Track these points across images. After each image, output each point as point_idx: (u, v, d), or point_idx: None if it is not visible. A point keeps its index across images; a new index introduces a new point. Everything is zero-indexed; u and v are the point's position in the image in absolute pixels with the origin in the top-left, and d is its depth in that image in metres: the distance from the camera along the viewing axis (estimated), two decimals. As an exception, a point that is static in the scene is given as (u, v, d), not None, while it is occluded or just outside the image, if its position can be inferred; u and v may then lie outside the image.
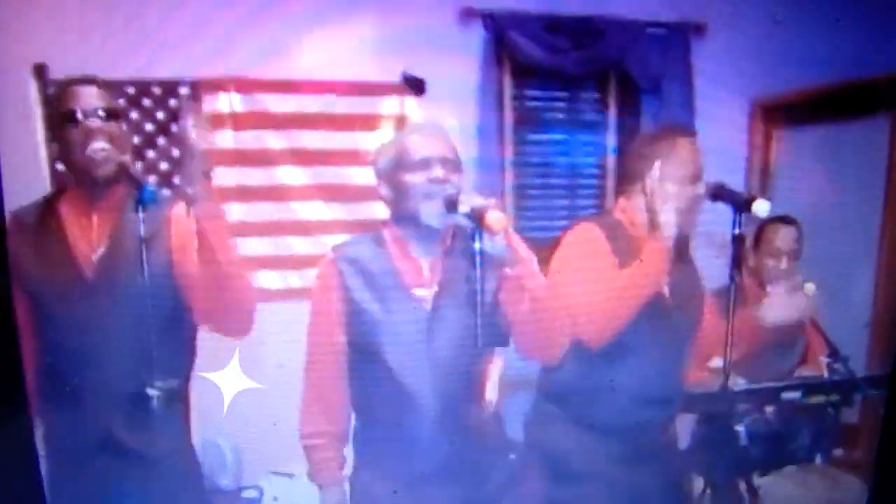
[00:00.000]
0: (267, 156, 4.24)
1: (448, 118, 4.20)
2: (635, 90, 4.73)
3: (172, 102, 4.12)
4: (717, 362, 3.05)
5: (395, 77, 4.35)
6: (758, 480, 3.35)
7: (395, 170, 2.61)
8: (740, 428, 3.20)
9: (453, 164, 2.60)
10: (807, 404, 3.27)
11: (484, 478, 2.74)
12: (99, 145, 2.52)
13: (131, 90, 4.04)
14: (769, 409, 3.26)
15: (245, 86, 4.19)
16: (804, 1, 4.25)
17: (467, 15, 4.39)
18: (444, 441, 2.63)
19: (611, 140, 4.85)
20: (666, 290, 2.89)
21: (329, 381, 2.70)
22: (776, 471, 3.36)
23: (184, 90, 4.12)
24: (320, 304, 2.70)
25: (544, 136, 4.84)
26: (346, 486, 2.76)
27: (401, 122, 4.28)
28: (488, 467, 2.76)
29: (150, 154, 4.11)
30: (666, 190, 2.80)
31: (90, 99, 2.55)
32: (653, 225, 2.81)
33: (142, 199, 2.47)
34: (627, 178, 2.98)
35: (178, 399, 2.71)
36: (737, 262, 2.81)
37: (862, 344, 3.78)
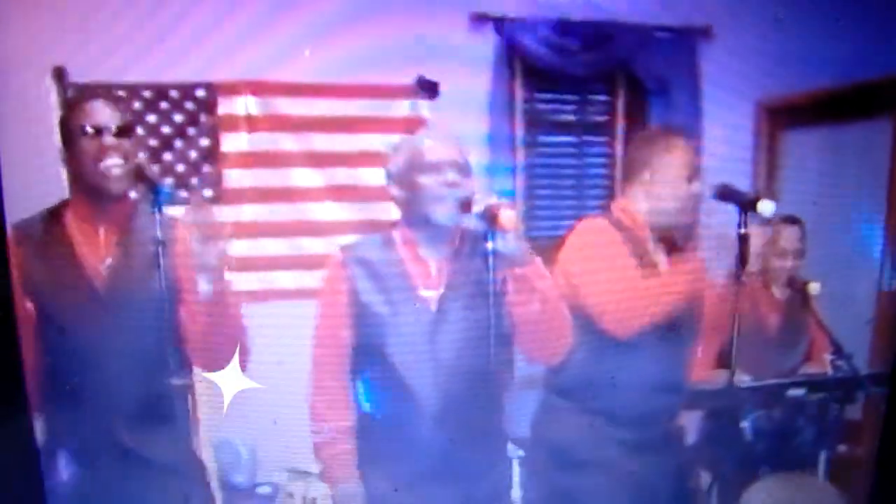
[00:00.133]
0: (281, 158, 4.25)
1: (460, 120, 4.22)
2: (643, 93, 4.72)
3: (189, 105, 4.13)
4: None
5: (408, 80, 4.35)
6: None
7: (408, 173, 2.63)
8: (746, 424, 3.21)
9: (465, 169, 2.62)
10: (811, 401, 3.28)
11: (484, 477, 2.74)
12: (113, 162, 2.53)
13: (148, 94, 4.05)
14: (774, 405, 3.27)
15: (260, 89, 4.19)
16: (808, 3, 4.24)
17: (479, 20, 4.40)
18: (446, 440, 2.64)
19: (619, 142, 4.84)
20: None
21: (334, 379, 2.70)
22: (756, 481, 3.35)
23: (200, 93, 4.13)
24: (328, 303, 2.72)
25: (554, 138, 4.84)
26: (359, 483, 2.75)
27: (414, 124, 4.27)
28: (488, 466, 2.76)
29: (167, 156, 4.12)
30: (658, 188, 2.84)
31: (103, 114, 2.55)
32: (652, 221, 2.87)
33: (158, 200, 2.48)
34: (626, 178, 3.01)
35: (189, 397, 2.73)
36: (742, 260, 2.82)
37: (865, 342, 3.77)
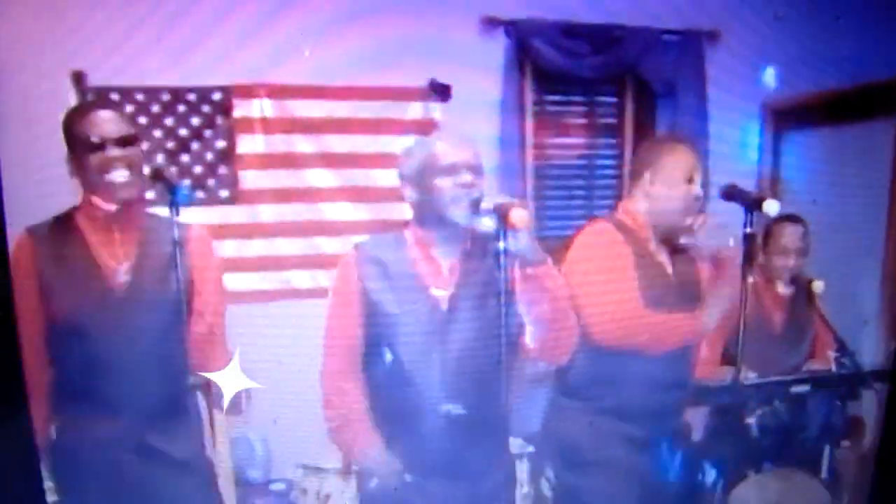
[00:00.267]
0: (296, 159, 4.26)
1: (471, 122, 4.22)
2: (651, 95, 4.73)
3: (205, 108, 4.15)
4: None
5: (421, 83, 4.37)
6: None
7: (422, 175, 2.63)
8: (751, 420, 3.21)
9: (478, 170, 2.62)
10: (815, 397, 3.28)
11: (490, 473, 2.75)
12: (118, 173, 2.52)
13: (166, 97, 4.07)
14: (779, 402, 3.27)
15: (275, 91, 4.21)
16: (812, 5, 4.25)
17: (490, 23, 4.41)
18: (453, 437, 2.64)
19: (627, 143, 4.85)
20: (672, 280, 2.92)
21: (345, 377, 2.70)
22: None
23: (216, 96, 4.15)
24: (339, 302, 2.71)
25: (564, 140, 4.85)
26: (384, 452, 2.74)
27: (427, 126, 4.28)
28: (495, 463, 2.76)
29: (184, 158, 4.14)
30: (658, 189, 2.87)
31: (106, 125, 2.54)
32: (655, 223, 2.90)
33: (175, 200, 2.49)
34: (631, 179, 3.04)
35: (204, 395, 2.74)
36: (748, 259, 2.83)
37: (868, 339, 3.77)
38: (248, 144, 4.20)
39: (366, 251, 2.69)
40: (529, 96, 4.65)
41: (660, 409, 2.97)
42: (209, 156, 4.17)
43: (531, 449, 3.47)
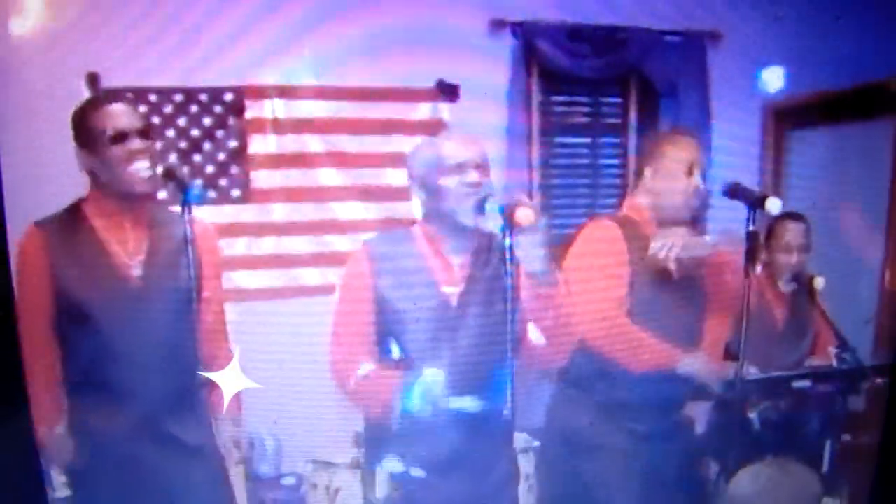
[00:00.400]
0: (307, 159, 4.27)
1: (478, 122, 4.23)
2: (654, 94, 4.74)
3: (218, 109, 4.16)
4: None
5: (430, 84, 4.37)
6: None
7: (430, 173, 2.63)
8: (753, 415, 3.21)
9: (485, 168, 2.62)
10: (816, 392, 3.28)
11: (493, 469, 2.74)
12: (141, 165, 2.51)
13: (179, 97, 4.08)
14: (780, 397, 3.27)
15: (286, 92, 4.22)
16: (812, 6, 4.25)
17: (497, 25, 4.42)
18: (458, 434, 2.64)
19: (631, 141, 4.85)
20: (674, 275, 2.92)
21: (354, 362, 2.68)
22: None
23: (228, 97, 4.16)
24: (349, 296, 2.70)
25: (569, 139, 4.86)
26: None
27: (435, 126, 4.28)
28: (500, 458, 2.76)
29: (197, 158, 4.15)
30: (659, 182, 2.87)
31: (125, 118, 2.53)
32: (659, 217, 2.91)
33: (187, 200, 2.49)
34: (635, 176, 3.05)
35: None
36: (751, 256, 2.83)
37: (868, 335, 3.77)
38: (259, 144, 4.21)
39: (375, 248, 2.69)
40: (536, 96, 4.66)
41: (660, 404, 2.97)
42: (221, 155, 4.18)
43: (536, 444, 3.47)
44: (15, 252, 2.49)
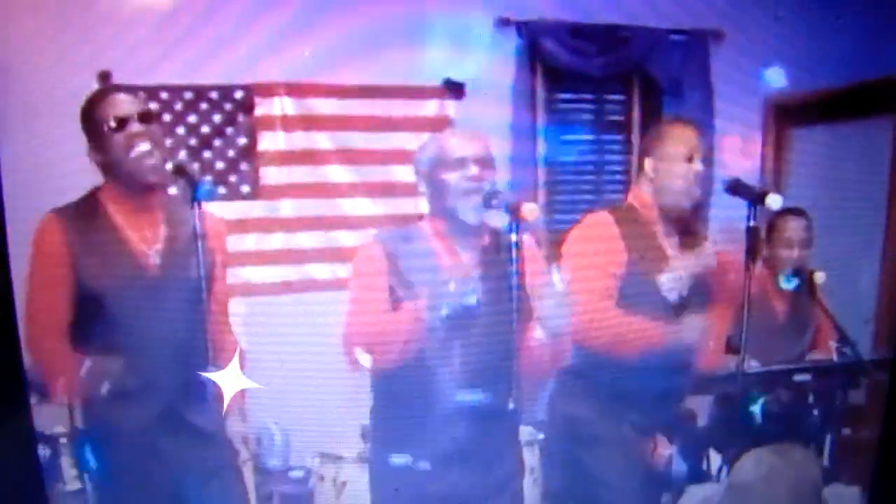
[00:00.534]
0: (315, 155, 4.28)
1: (484, 119, 4.23)
2: (658, 92, 4.73)
3: (228, 106, 4.16)
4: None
5: (436, 82, 4.38)
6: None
7: (433, 169, 2.63)
8: (755, 408, 3.21)
9: (487, 163, 2.62)
10: (817, 386, 3.28)
11: (500, 462, 2.75)
12: (143, 147, 2.52)
13: (190, 95, 4.09)
14: (781, 390, 3.27)
15: (295, 90, 4.22)
16: (812, 5, 4.24)
17: (503, 24, 4.42)
18: (466, 427, 2.64)
19: (635, 138, 4.85)
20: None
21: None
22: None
23: (238, 94, 4.17)
24: (364, 283, 2.68)
25: (574, 135, 4.85)
26: None
27: (442, 123, 4.29)
28: (502, 453, 2.76)
29: (207, 155, 4.15)
30: (660, 169, 2.87)
31: (124, 105, 2.55)
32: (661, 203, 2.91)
33: (197, 196, 2.49)
34: (638, 168, 3.04)
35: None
36: (751, 252, 2.83)
37: (868, 331, 3.77)
38: (268, 141, 4.21)
39: (386, 241, 2.68)
40: (540, 93, 4.66)
41: (662, 396, 2.97)
42: (231, 152, 4.19)
43: (541, 436, 3.48)
44: (30, 241, 2.53)
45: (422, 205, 2.75)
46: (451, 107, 4.40)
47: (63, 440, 3.33)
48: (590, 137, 4.89)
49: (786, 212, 3.43)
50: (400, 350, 2.57)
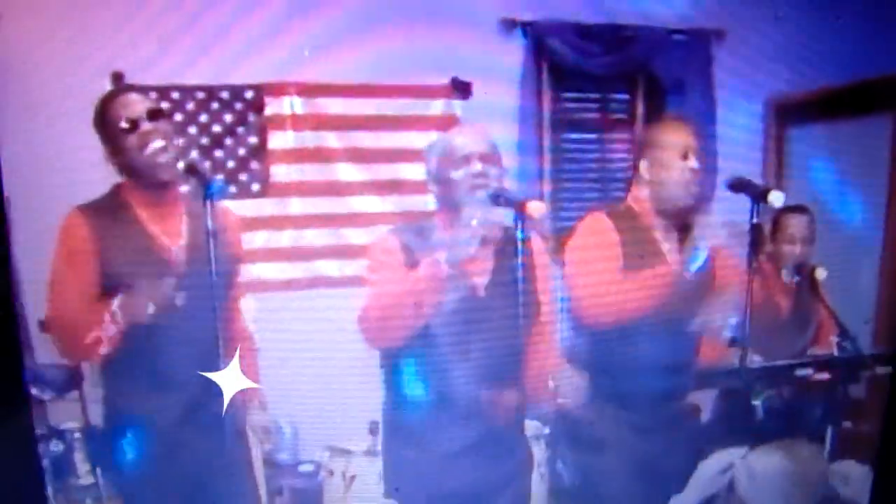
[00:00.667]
0: (325, 154, 4.28)
1: (490, 119, 4.23)
2: (661, 91, 4.73)
3: (238, 106, 4.17)
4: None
5: (443, 81, 4.38)
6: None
7: (441, 168, 2.63)
8: (757, 402, 3.21)
9: (493, 160, 2.61)
10: (818, 380, 3.27)
11: (506, 457, 2.74)
12: (155, 145, 2.52)
13: (201, 95, 4.10)
14: (783, 385, 3.26)
15: (305, 90, 4.23)
16: (812, 5, 4.24)
17: (508, 24, 4.42)
18: (477, 421, 2.64)
19: (638, 137, 4.85)
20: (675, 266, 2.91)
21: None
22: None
23: (248, 94, 4.17)
24: (382, 263, 2.65)
25: (579, 134, 4.86)
26: None
27: (449, 122, 4.28)
28: (511, 447, 2.76)
29: (218, 153, 4.17)
30: (656, 168, 2.86)
31: (134, 104, 2.55)
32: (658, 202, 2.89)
33: (209, 194, 2.49)
34: (634, 171, 3.02)
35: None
36: (755, 248, 2.82)
37: (868, 329, 3.77)
38: (278, 140, 4.23)
39: (402, 234, 2.66)
40: (546, 93, 4.66)
41: (663, 394, 2.96)
42: (241, 151, 4.20)
43: (547, 430, 3.47)
44: (55, 237, 2.52)
45: (430, 202, 2.75)
46: (458, 106, 4.41)
47: (77, 435, 3.36)
48: (594, 136, 4.89)
49: (788, 208, 3.43)
50: (416, 315, 2.53)
